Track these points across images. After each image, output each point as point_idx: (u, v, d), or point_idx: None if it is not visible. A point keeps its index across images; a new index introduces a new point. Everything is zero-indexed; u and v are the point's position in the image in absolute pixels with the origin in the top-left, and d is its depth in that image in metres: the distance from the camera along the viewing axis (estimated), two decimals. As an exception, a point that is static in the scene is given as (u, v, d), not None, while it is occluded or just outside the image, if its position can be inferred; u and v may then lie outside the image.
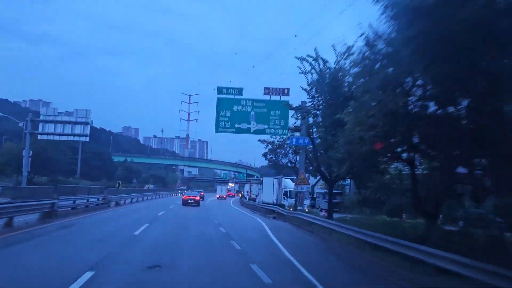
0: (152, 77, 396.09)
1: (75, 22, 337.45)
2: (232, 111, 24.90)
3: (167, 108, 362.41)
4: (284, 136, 30.82)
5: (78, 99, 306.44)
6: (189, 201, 33.56)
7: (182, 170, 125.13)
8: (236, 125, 24.98)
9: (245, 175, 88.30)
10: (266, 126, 25.03)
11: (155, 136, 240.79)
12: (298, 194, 26.64)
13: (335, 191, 29.73)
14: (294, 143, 27.67)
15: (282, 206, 29.91)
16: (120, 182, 45.09)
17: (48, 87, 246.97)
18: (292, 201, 29.43)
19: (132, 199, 35.61)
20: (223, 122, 25.01)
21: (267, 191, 37.10)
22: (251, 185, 55.19)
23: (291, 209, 25.12)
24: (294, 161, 39.06)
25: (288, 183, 34.13)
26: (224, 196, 62.21)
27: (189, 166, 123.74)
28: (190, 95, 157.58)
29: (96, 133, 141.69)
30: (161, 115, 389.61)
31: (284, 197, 33.74)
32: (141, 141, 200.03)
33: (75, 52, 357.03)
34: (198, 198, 35.49)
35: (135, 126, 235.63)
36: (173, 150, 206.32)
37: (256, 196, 47.39)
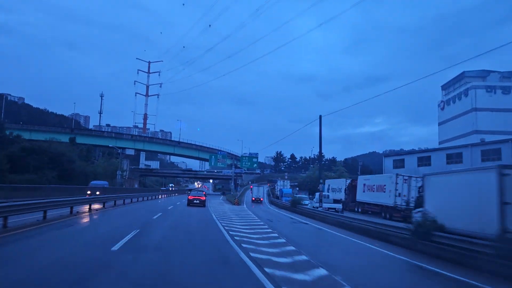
0: (115, 71, 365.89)
1: (34, 14, 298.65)
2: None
3: (129, 104, 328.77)
4: None
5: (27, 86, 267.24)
6: (195, 201, 33.98)
7: (137, 159, 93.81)
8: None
9: (256, 164, 60.77)
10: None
11: (108, 125, 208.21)
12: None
13: None
14: None
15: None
16: None
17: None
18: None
19: None
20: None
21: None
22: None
23: None
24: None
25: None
26: (261, 199, 52.07)
27: (143, 151, 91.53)
28: (149, 62, 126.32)
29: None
30: (123, 111, 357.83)
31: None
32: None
33: (33, 43, 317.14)
34: (204, 198, 35.71)
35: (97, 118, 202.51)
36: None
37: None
